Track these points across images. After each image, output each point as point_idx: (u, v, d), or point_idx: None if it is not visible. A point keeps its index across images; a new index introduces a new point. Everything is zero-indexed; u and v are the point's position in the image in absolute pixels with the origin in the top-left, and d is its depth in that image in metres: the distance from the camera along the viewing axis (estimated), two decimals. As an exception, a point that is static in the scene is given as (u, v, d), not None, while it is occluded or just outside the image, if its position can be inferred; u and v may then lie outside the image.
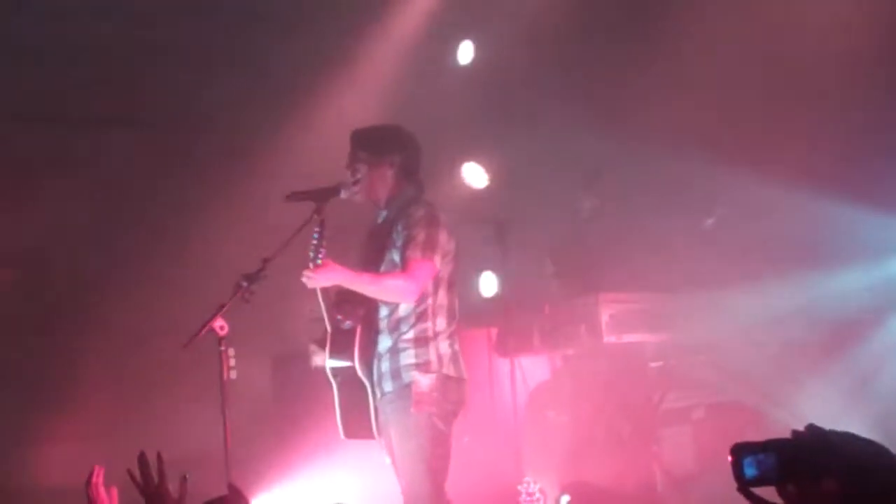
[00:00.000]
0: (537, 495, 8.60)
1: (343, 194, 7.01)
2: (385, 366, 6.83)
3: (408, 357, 6.79)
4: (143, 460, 3.90)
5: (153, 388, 9.40)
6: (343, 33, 9.64)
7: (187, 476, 3.93)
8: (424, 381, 6.72)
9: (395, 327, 6.83)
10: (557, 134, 9.35)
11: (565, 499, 8.66)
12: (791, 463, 2.51)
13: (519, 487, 8.63)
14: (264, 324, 7.77)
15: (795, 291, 8.36)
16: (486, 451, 8.81)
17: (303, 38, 9.53)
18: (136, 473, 3.90)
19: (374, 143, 7.08)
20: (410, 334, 6.81)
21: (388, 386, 6.79)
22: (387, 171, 7.05)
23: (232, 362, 6.78)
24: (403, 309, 6.80)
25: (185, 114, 9.64)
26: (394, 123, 7.31)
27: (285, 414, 9.36)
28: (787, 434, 2.61)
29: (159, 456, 3.92)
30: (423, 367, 6.76)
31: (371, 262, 6.94)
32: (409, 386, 6.71)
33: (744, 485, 2.53)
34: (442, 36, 9.99)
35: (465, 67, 10.07)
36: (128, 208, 9.42)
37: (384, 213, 7.10)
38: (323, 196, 6.93)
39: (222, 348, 6.76)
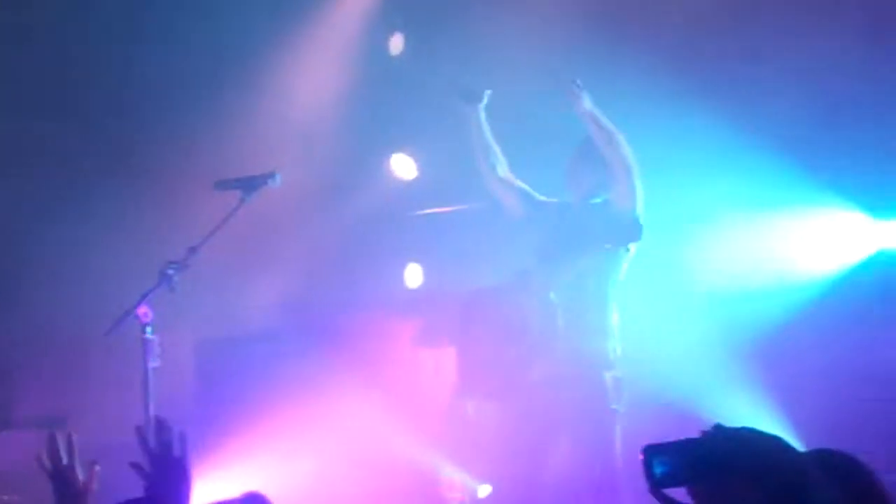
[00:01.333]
0: (459, 486, 8.64)
1: (271, 183, 7.01)
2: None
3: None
4: (51, 439, 3.86)
5: (77, 375, 9.33)
6: (275, 21, 9.60)
7: (97, 466, 3.90)
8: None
9: None
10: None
11: (486, 489, 8.69)
12: (699, 462, 2.53)
13: (441, 478, 8.68)
14: (188, 310, 7.71)
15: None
16: (409, 444, 8.83)
17: (232, 20, 9.46)
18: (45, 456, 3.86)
19: None
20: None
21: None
22: None
23: (156, 349, 6.77)
24: None
25: (113, 99, 9.56)
26: None
27: (208, 401, 9.35)
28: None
29: (70, 437, 3.89)
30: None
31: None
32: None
33: (654, 485, 2.54)
34: (376, 27, 9.97)
35: (396, 58, 10.06)
36: (54, 197, 9.34)
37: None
38: (252, 185, 6.95)
39: (146, 335, 6.75)
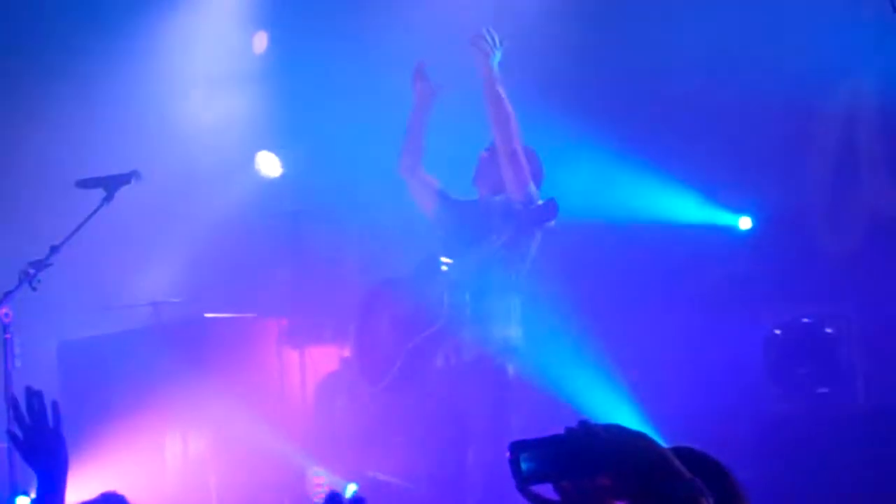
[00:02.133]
0: (324, 485, 8.64)
1: (134, 181, 6.98)
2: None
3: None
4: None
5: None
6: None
7: None
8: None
9: None
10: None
11: (352, 487, 8.70)
12: (565, 459, 2.56)
13: (307, 477, 8.67)
14: (49, 311, 7.61)
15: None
16: (275, 443, 8.80)
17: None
18: None
19: None
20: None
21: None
22: None
23: (17, 350, 6.69)
24: None
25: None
26: None
27: (70, 403, 9.23)
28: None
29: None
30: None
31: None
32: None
33: (521, 482, 2.57)
34: (242, 24, 9.94)
35: (261, 56, 10.04)
36: None
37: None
38: (114, 183, 6.90)
39: (7, 336, 6.67)
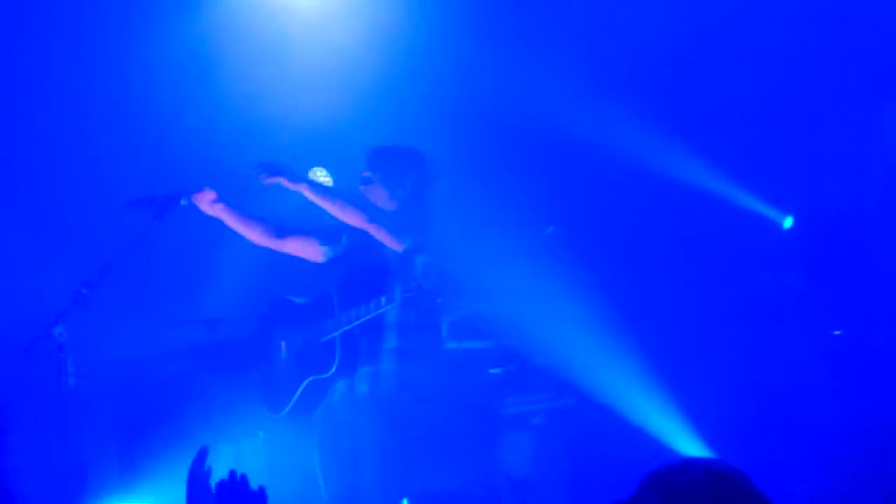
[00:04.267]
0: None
1: (183, 202, 7.02)
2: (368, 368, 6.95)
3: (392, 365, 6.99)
4: None
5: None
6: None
7: None
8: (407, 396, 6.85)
9: None
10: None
11: (405, 502, 8.69)
12: None
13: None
14: (102, 329, 7.66)
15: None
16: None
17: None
18: None
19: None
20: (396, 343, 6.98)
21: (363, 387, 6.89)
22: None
23: (71, 368, 6.72)
24: None
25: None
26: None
27: (124, 420, 9.29)
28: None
29: None
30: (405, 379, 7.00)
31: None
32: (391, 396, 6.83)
33: None
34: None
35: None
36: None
37: None
38: (165, 204, 6.95)
39: (61, 355, 6.70)
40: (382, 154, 7.32)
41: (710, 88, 8.75)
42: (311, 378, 7.03)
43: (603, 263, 8.83)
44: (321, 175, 9.72)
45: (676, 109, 8.89)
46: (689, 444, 8.34)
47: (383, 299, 6.89)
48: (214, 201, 7.31)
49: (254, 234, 7.50)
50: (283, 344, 7.29)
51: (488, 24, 9.17)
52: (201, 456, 3.54)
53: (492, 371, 9.06)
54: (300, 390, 7.05)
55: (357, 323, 6.87)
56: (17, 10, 8.98)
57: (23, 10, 8.99)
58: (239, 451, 8.54)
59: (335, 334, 6.95)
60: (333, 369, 6.92)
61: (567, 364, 8.72)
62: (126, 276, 7.02)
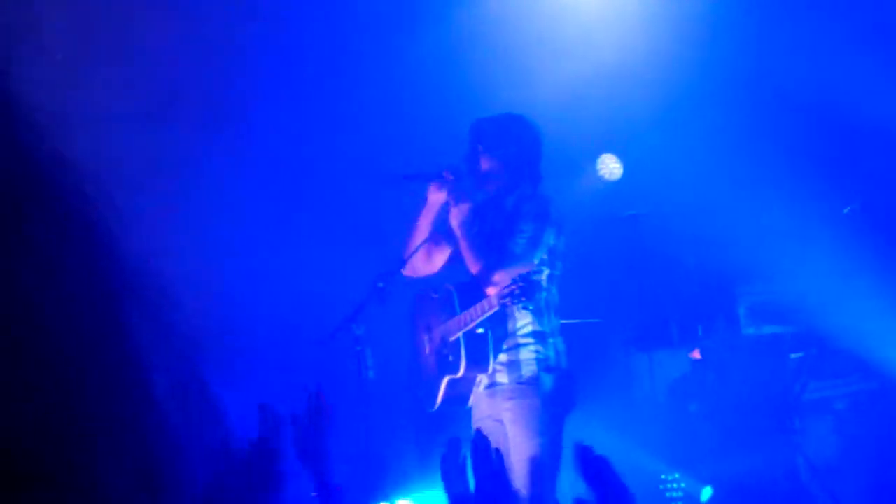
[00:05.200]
0: (680, 487, 8.57)
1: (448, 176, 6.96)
2: (503, 357, 6.79)
3: (528, 352, 6.76)
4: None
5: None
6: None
7: None
8: (549, 378, 6.66)
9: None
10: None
11: (708, 491, 8.61)
12: None
13: (661, 479, 8.62)
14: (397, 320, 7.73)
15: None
16: (626, 446, 8.77)
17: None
18: None
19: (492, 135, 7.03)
20: (529, 329, 6.76)
21: (503, 377, 6.73)
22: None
23: (370, 362, 6.85)
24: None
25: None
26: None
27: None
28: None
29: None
30: (543, 363, 6.73)
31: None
32: (532, 381, 6.65)
33: None
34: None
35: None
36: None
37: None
38: (433, 177, 6.95)
39: (360, 348, 6.84)
40: (487, 125, 7.02)
41: None
42: (447, 377, 6.87)
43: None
44: (611, 162, 9.71)
45: None
46: None
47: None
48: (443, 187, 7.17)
49: (425, 235, 7.28)
50: (425, 338, 7.18)
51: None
52: (454, 445, 3.56)
53: (792, 355, 8.89)
54: (442, 388, 6.91)
55: (480, 320, 6.64)
56: (311, 15, 9.21)
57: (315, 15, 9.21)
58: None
59: (459, 335, 6.74)
60: (462, 369, 6.75)
61: (870, 347, 8.46)
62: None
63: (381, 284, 6.80)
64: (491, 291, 6.58)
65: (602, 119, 9.47)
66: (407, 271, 7.12)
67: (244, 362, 8.67)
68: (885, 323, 8.34)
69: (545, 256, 6.76)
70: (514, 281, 6.33)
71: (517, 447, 6.57)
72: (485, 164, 6.93)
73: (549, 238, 6.76)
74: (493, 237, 6.78)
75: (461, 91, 8.83)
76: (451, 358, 6.80)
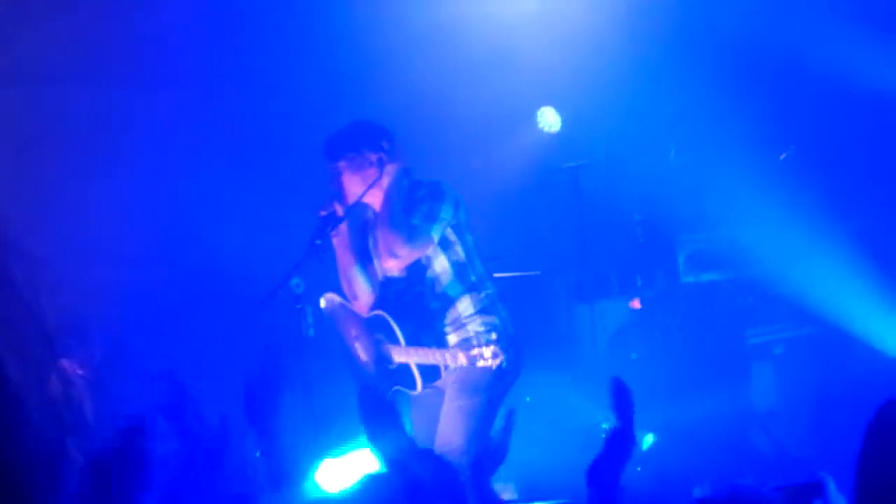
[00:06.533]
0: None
1: None
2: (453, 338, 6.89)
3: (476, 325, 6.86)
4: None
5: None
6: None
7: None
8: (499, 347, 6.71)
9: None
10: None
11: (650, 438, 8.68)
12: None
13: (602, 428, 8.68)
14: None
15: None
16: (568, 395, 8.83)
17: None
18: None
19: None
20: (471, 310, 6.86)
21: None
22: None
23: (310, 319, 6.83)
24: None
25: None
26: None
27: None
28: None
29: None
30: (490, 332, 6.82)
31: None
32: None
33: None
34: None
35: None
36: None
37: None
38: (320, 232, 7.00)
39: (299, 306, 6.81)
40: (342, 138, 6.97)
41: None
42: (399, 388, 6.98)
43: (838, 187, 8.60)
44: (550, 115, 9.71)
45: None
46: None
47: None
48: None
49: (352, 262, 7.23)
50: (356, 345, 7.24)
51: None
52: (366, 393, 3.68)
53: (731, 302, 8.96)
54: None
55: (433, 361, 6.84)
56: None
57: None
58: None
59: (408, 361, 6.89)
60: (419, 387, 6.87)
61: (806, 292, 8.54)
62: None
63: (318, 241, 6.79)
64: (391, 264, 6.76)
65: (541, 70, 9.46)
66: (357, 306, 7.12)
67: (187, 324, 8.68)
68: (820, 267, 8.41)
69: (449, 234, 6.80)
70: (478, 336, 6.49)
71: (454, 400, 6.67)
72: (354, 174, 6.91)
73: (447, 213, 6.80)
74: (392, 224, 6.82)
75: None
76: (400, 373, 6.89)
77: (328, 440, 7.13)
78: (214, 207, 8.81)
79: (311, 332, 6.80)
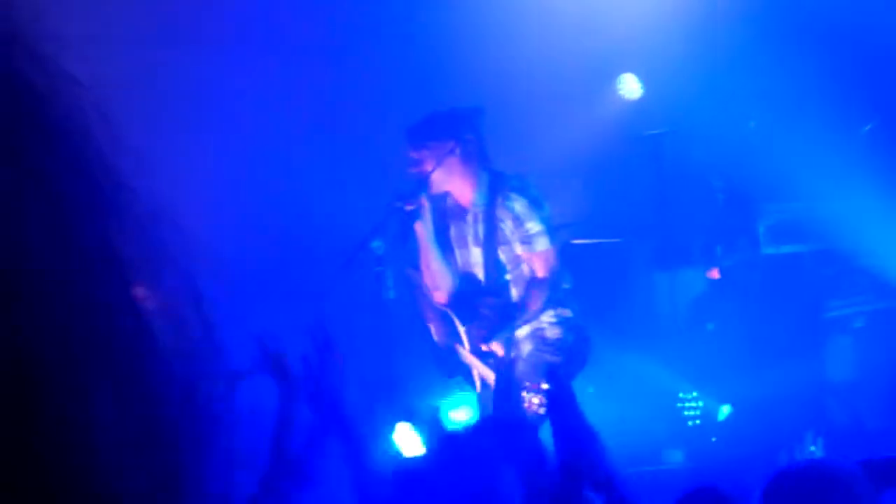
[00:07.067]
0: (698, 405, 8.62)
1: None
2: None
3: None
4: None
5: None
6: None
7: None
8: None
9: None
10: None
11: (727, 408, 8.65)
12: None
13: (680, 398, 8.67)
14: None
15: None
16: (646, 365, 8.80)
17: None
18: None
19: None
20: None
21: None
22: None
23: (389, 282, 6.86)
24: None
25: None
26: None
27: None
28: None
29: None
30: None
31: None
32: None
33: None
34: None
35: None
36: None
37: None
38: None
39: (379, 268, 6.84)
40: (425, 127, 6.99)
41: None
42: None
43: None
44: (631, 82, 9.66)
45: None
46: None
47: None
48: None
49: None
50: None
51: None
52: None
53: (812, 274, 8.89)
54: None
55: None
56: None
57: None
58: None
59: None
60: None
61: (888, 265, 8.46)
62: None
63: (398, 203, 6.81)
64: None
65: (623, 38, 9.41)
66: (438, 296, 7.17)
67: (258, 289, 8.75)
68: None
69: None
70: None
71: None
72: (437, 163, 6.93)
73: (546, 211, 6.89)
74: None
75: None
76: (466, 370, 7.03)
77: (405, 403, 7.16)
78: (304, 173, 8.83)
79: (392, 294, 6.83)
